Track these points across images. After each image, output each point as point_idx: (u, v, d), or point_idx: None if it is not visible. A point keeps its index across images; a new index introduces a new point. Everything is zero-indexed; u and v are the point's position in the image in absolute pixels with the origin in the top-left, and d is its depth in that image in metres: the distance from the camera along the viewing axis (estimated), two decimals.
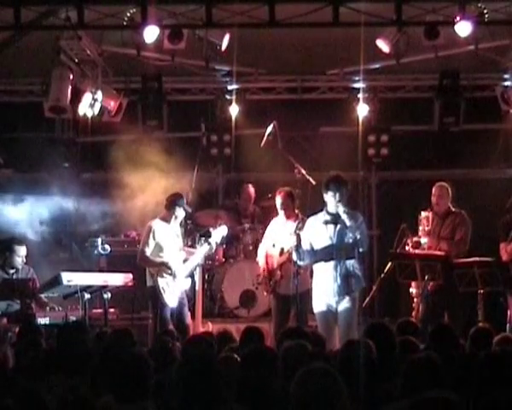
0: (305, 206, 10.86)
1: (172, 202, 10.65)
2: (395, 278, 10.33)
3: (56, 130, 13.88)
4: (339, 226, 9.49)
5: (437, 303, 10.17)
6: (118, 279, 10.41)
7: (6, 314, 10.24)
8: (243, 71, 13.32)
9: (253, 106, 13.58)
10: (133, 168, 11.92)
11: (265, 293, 10.83)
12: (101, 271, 11.49)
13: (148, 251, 10.52)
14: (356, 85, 13.47)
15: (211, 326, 10.95)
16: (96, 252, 11.95)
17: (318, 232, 9.57)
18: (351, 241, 9.48)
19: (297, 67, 13.42)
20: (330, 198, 9.47)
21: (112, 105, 12.80)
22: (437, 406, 4.00)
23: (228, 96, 13.60)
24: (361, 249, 9.63)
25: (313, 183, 11.41)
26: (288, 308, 10.21)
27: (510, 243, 10.45)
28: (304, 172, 11.70)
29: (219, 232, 10.98)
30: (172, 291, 10.48)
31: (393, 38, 11.34)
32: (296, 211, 10.50)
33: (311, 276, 9.83)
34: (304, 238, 9.61)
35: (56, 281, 9.96)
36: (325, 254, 9.51)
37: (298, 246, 9.59)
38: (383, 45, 11.48)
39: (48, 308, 10.39)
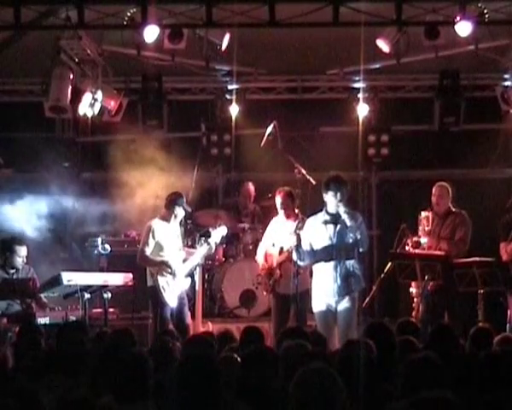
0: (305, 206, 10.86)
1: (172, 201, 10.64)
2: (395, 278, 10.33)
3: (56, 130, 13.90)
4: (339, 226, 9.48)
5: (437, 303, 10.16)
6: (118, 279, 10.41)
7: (6, 314, 10.24)
8: (243, 71, 13.33)
9: (253, 106, 13.59)
10: (133, 168, 11.93)
11: (265, 292, 10.83)
12: (101, 270, 11.49)
13: (148, 251, 10.52)
14: (356, 85, 13.48)
15: (211, 326, 10.96)
16: (96, 252, 11.94)
17: (318, 232, 9.57)
18: (351, 241, 9.48)
19: (297, 67, 13.42)
20: (331, 198, 9.46)
21: (112, 105, 12.81)
22: (436, 406, 4.00)
23: (228, 96, 13.61)
24: (361, 250, 9.62)
25: (313, 183, 11.42)
26: (287, 308, 10.21)
27: (510, 243, 10.44)
28: (304, 171, 11.71)
29: (219, 233, 10.98)
30: (172, 290, 10.48)
31: (393, 37, 11.34)
32: (296, 211, 10.50)
33: (311, 276, 9.84)
34: (304, 238, 9.61)
35: (56, 281, 9.95)
36: (325, 255, 9.51)
37: (298, 246, 9.60)
38: (383, 45, 11.48)
39: (48, 308, 10.39)
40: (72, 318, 10.08)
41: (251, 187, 12.96)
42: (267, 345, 7.22)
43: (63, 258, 12.40)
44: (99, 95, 12.37)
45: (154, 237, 10.51)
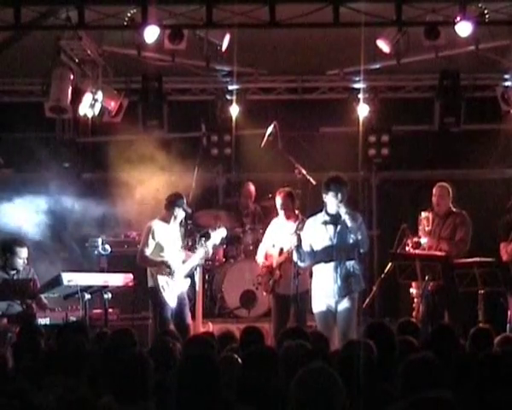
0: (305, 206, 10.86)
1: (172, 202, 10.64)
2: (395, 279, 10.32)
3: (56, 130, 13.89)
4: (339, 227, 9.48)
5: (437, 303, 10.16)
6: (118, 279, 10.42)
7: (6, 315, 10.24)
8: (243, 71, 13.33)
9: (253, 106, 13.59)
10: (133, 168, 11.94)
11: (264, 293, 10.83)
12: (101, 271, 11.49)
13: (148, 251, 10.51)
14: (356, 86, 13.48)
15: (211, 326, 10.96)
16: (96, 252, 11.95)
17: (318, 233, 9.56)
18: (351, 242, 9.47)
19: (297, 67, 13.43)
20: (331, 199, 9.45)
21: (112, 105, 12.82)
22: (435, 406, 4.00)
23: (228, 97, 13.62)
24: (362, 250, 9.63)
25: (313, 183, 11.42)
26: (287, 308, 10.20)
27: (511, 243, 10.44)
28: (304, 172, 11.71)
29: (218, 235, 10.98)
30: (172, 290, 10.48)
31: (394, 38, 11.34)
32: (296, 211, 10.50)
33: (311, 276, 9.84)
34: (304, 239, 9.61)
35: (57, 281, 9.95)
36: (325, 255, 9.50)
37: (298, 246, 9.59)
38: (383, 45, 11.48)
39: (48, 309, 10.39)
40: (73, 318, 10.09)
41: (251, 187, 12.96)
42: (267, 345, 7.23)
43: (63, 258, 12.39)
44: (99, 95, 12.38)
45: (154, 238, 10.51)
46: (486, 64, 12.65)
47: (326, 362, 5.11)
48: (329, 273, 9.47)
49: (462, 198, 11.23)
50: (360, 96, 13.31)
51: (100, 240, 11.95)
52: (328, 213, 9.54)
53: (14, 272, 10.80)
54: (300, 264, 9.69)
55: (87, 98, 12.29)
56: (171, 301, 10.45)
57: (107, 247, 11.90)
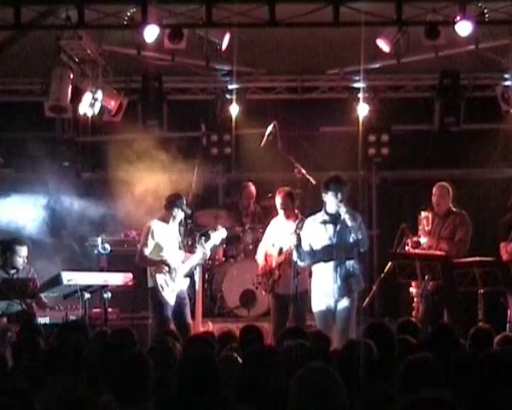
0: (304, 206, 10.86)
1: (171, 202, 10.63)
2: (395, 278, 10.32)
3: (56, 130, 13.89)
4: (339, 226, 9.48)
5: (437, 303, 10.16)
6: (118, 279, 10.42)
7: (6, 314, 10.24)
8: (243, 71, 13.33)
9: (253, 106, 13.58)
10: (133, 168, 11.93)
11: (264, 292, 10.83)
12: (101, 270, 11.49)
13: (147, 251, 10.51)
14: (356, 85, 13.48)
15: (211, 326, 10.96)
16: (96, 251, 11.95)
17: (318, 233, 9.56)
18: (351, 241, 9.47)
19: (297, 67, 13.42)
20: (331, 198, 9.45)
21: (112, 105, 12.81)
22: (435, 406, 4.00)
23: (228, 96, 13.61)
24: (362, 250, 9.63)
25: (313, 183, 11.42)
26: (286, 308, 10.20)
27: (510, 243, 10.44)
28: (304, 171, 11.71)
29: (218, 235, 10.97)
30: (171, 289, 10.48)
31: (394, 37, 11.33)
32: (296, 211, 10.49)
33: (310, 276, 9.84)
34: (303, 238, 9.61)
35: (56, 280, 9.96)
36: (325, 255, 9.50)
37: (298, 246, 9.59)
38: (383, 45, 11.47)
39: (48, 308, 10.39)
40: (72, 317, 10.09)
41: (252, 188, 12.95)
42: (267, 344, 7.23)
43: (63, 258, 12.40)
44: (99, 95, 12.38)
45: (153, 238, 10.51)
46: (486, 64, 12.63)
47: (326, 362, 5.11)
48: (329, 273, 9.47)
49: (462, 198, 11.24)
50: (360, 95, 13.30)
51: (99, 239, 11.95)
52: (327, 213, 9.54)
53: (14, 271, 10.81)
54: (300, 263, 9.69)
55: (87, 98, 12.28)
56: (170, 300, 10.45)
57: (107, 246, 11.90)
